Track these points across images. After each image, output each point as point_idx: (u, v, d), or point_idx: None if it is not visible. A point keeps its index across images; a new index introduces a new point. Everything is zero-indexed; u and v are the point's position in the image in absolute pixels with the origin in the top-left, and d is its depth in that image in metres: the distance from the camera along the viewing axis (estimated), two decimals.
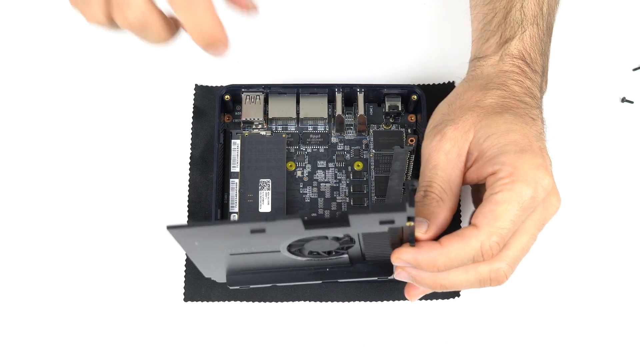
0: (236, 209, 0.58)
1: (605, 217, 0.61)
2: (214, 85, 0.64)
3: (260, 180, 0.58)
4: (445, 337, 0.58)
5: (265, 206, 0.58)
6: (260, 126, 0.60)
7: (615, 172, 0.63)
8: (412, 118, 0.61)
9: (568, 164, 0.61)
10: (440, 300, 0.59)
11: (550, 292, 0.60)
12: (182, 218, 0.61)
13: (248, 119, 0.60)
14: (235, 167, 0.59)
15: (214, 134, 0.59)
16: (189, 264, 0.59)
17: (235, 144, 0.59)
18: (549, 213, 0.50)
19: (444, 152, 0.50)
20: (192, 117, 0.63)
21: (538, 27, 0.55)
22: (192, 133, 0.63)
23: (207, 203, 0.61)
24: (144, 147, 0.63)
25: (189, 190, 0.62)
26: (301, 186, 0.59)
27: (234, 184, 0.58)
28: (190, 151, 0.62)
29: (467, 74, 0.56)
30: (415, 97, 0.60)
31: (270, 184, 0.58)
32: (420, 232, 0.48)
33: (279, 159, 0.59)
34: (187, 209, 0.61)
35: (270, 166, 0.59)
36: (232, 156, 0.59)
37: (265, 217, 0.43)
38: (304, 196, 0.59)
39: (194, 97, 0.64)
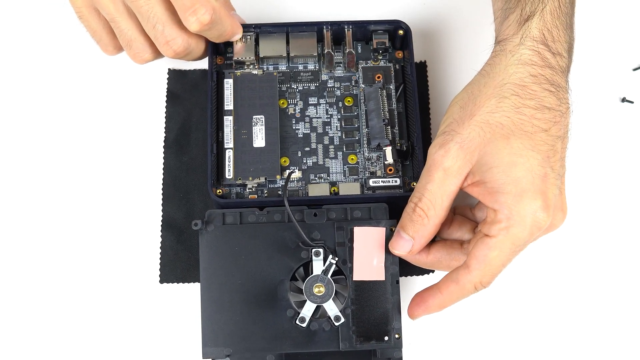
0: (231, 145, 0.59)
1: (605, 217, 0.62)
2: (188, 69, 0.65)
3: (254, 116, 0.60)
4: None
5: (259, 141, 0.59)
6: (251, 66, 0.62)
7: (615, 172, 0.63)
8: (399, 54, 0.63)
9: (568, 164, 0.59)
10: (415, 276, 0.60)
11: (539, 283, 0.61)
12: (157, 200, 0.62)
13: (240, 58, 0.61)
14: (228, 104, 0.60)
15: (207, 75, 0.60)
16: (164, 247, 0.60)
17: (228, 83, 0.61)
18: (544, 234, 0.52)
19: (443, 169, 0.50)
20: (166, 101, 0.64)
21: None
22: (166, 117, 0.64)
23: (181, 185, 0.62)
24: (118, 132, 0.64)
25: (163, 173, 0.62)
26: (294, 122, 0.61)
27: (228, 121, 0.60)
28: (164, 135, 0.63)
29: (487, 60, 0.53)
30: (401, 32, 0.61)
31: (263, 119, 0.60)
32: (405, 251, 0.53)
33: (271, 96, 0.60)
34: (162, 191, 0.62)
35: (263, 103, 0.60)
36: (225, 95, 0.60)
37: None
38: (296, 131, 0.61)
39: (167, 81, 0.65)
